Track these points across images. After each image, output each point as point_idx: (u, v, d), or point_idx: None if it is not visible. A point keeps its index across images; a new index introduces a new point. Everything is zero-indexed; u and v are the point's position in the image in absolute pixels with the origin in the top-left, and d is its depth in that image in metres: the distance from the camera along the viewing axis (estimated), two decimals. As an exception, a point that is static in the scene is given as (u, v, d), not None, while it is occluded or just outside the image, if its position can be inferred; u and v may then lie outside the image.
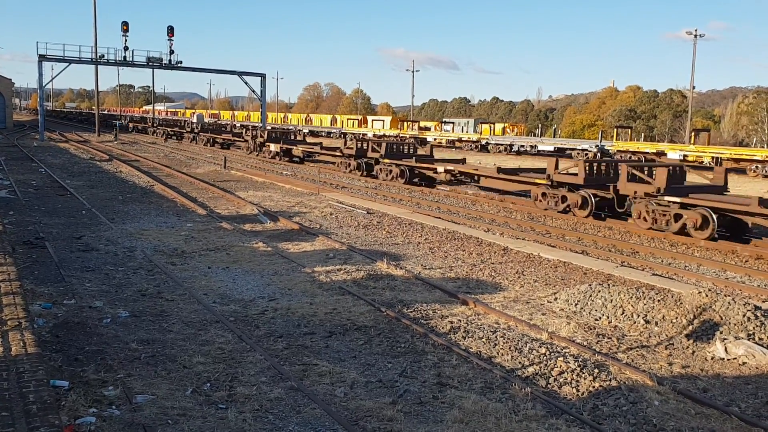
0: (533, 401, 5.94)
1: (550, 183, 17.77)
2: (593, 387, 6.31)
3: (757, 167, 34.93)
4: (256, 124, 58.63)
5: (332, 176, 26.59)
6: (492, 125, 67.13)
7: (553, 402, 5.95)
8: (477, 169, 22.11)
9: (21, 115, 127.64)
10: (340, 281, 9.98)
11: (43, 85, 51.61)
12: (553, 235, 14.91)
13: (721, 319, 7.92)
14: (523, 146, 49.88)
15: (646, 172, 15.91)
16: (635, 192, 15.60)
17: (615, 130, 50.52)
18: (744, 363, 7.13)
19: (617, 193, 16.39)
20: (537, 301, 9.33)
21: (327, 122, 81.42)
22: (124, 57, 51.22)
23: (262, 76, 58.14)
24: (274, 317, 8.21)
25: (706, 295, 8.34)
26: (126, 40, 50.71)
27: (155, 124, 63.98)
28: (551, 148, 48.35)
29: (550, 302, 9.26)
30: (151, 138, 56.10)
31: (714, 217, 13.94)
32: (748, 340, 7.46)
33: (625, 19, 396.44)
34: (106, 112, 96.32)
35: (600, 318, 8.49)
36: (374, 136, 54.78)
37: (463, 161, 25.16)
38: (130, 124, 71.37)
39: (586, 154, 44.31)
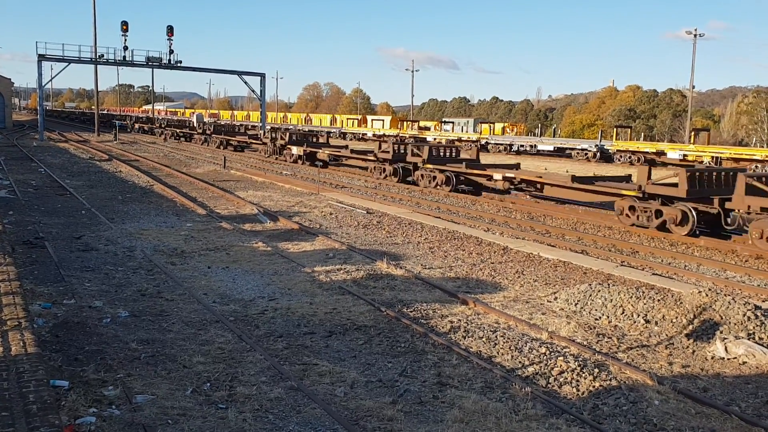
0: (533, 401, 5.94)
1: (641, 195, 15.29)
2: (593, 386, 6.30)
3: (757, 167, 34.92)
4: (275, 126, 57.20)
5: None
6: (492, 125, 67.17)
7: (553, 401, 5.95)
8: (541, 177, 19.28)
9: (20, 114, 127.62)
10: (339, 281, 9.97)
11: (43, 84, 51.60)
12: (552, 234, 14.91)
13: (721, 318, 7.92)
14: (522, 146, 49.91)
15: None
16: (749, 206, 13.28)
17: (615, 129, 50.50)
18: (744, 362, 7.13)
19: (723, 207, 14.18)
20: (537, 301, 9.33)
21: (327, 122, 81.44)
22: (124, 57, 51.20)
23: (262, 75, 58.13)
24: (274, 317, 8.21)
25: (706, 295, 8.34)
26: (125, 40, 50.73)
27: (162, 125, 61.13)
28: (551, 148, 48.38)
29: (550, 302, 9.26)
30: (151, 138, 56.06)
31: None
32: (749, 339, 7.46)
33: (625, 19, 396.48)
34: (105, 112, 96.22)
35: (600, 317, 8.49)
36: (398, 137, 52.11)
37: (516, 166, 21.99)
38: (136, 125, 68.75)
39: (586, 154, 44.35)
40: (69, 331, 7.39)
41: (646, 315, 8.28)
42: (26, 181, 22.50)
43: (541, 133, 71.06)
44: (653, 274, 11.18)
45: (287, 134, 34.34)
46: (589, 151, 44.40)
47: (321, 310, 8.46)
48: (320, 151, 30.91)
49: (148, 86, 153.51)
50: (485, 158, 40.49)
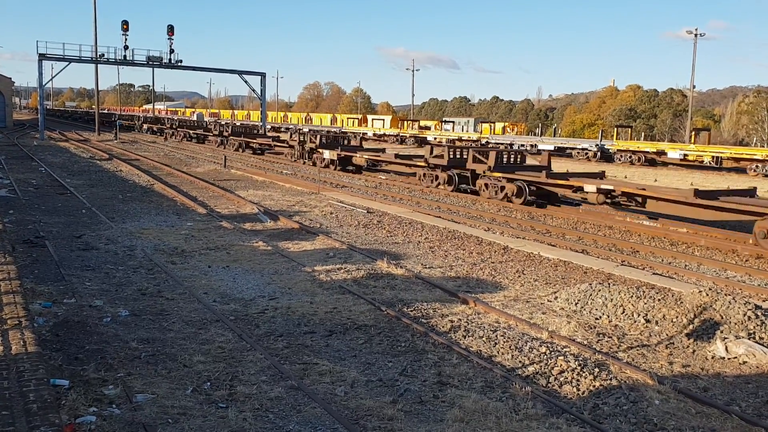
0: (534, 400, 5.94)
1: None
2: (594, 386, 6.30)
3: (757, 167, 34.92)
4: (299, 127, 54.73)
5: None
6: (492, 124, 67.16)
7: (553, 401, 5.95)
8: (644, 189, 16.31)
9: (21, 114, 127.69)
10: (340, 280, 9.97)
11: (43, 84, 51.57)
12: (553, 234, 14.90)
13: (722, 318, 7.91)
14: (523, 145, 49.85)
15: None
16: None
17: (615, 129, 50.53)
18: (744, 362, 7.12)
19: None
20: (537, 300, 9.33)
21: (327, 121, 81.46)
22: (124, 56, 51.18)
23: (262, 75, 58.10)
24: (274, 316, 8.21)
25: (707, 295, 8.33)
26: (126, 39, 50.71)
27: (174, 126, 56.98)
28: (551, 148, 48.33)
29: (551, 301, 9.26)
30: (152, 137, 56.05)
31: None
32: (749, 339, 7.46)
33: (625, 19, 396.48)
34: (106, 111, 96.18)
35: (600, 317, 8.49)
36: (449, 140, 49.42)
37: (602, 175, 19.20)
38: (144, 125, 64.72)
39: (586, 153, 44.32)
40: (69, 330, 7.39)
41: (646, 314, 8.28)
42: (27, 180, 22.50)
43: (541, 132, 71.04)
44: (654, 273, 11.18)
45: (318, 136, 30.81)
46: (590, 150, 44.38)
47: (321, 310, 8.46)
48: (356, 155, 27.93)
49: (149, 85, 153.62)
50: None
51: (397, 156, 26.31)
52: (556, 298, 9.37)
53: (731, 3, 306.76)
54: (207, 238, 13.03)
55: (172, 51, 52.43)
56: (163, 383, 6.07)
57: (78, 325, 7.54)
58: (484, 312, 8.62)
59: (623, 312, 8.44)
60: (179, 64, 53.33)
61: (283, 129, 69.87)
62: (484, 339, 7.52)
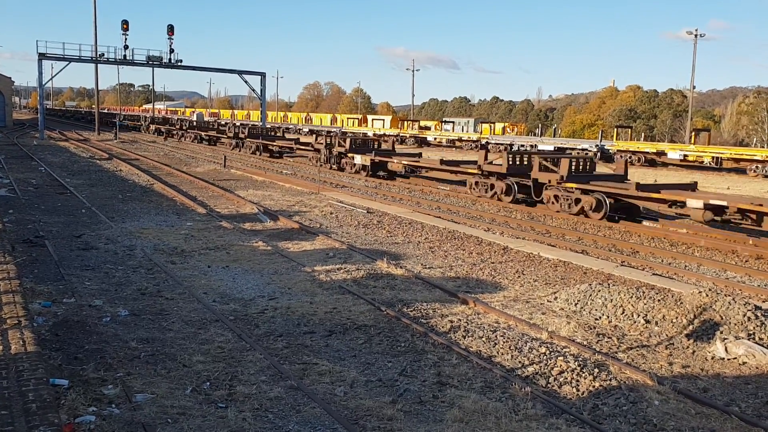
0: (533, 401, 5.94)
1: None
2: (593, 386, 6.30)
3: (757, 167, 34.93)
4: (326, 128, 51.79)
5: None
6: (492, 125, 67.22)
7: (553, 401, 5.95)
8: (761, 205, 13.68)
9: (21, 113, 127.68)
10: (340, 280, 9.97)
11: (43, 83, 51.56)
12: (553, 234, 14.90)
13: (722, 318, 7.91)
14: (523, 146, 49.87)
15: None
16: None
17: (615, 129, 50.55)
18: (744, 363, 7.12)
19: None
20: (537, 301, 9.33)
21: (327, 121, 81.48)
22: (124, 56, 51.19)
23: (262, 75, 58.11)
24: (273, 316, 8.20)
25: (707, 295, 8.33)
26: (126, 39, 50.72)
27: (183, 127, 53.20)
28: (551, 148, 48.32)
29: (550, 302, 9.26)
30: (152, 137, 56.02)
31: None
32: (749, 339, 7.46)
33: (625, 19, 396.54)
34: (106, 111, 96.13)
35: (600, 317, 8.49)
36: (480, 142, 46.49)
37: (693, 186, 16.68)
38: (151, 126, 60.78)
39: (586, 154, 44.32)
40: (69, 329, 7.38)
41: (646, 315, 8.28)
42: (26, 179, 22.49)
43: (541, 133, 71.04)
44: (653, 274, 11.18)
45: (347, 139, 28.19)
46: (590, 151, 44.33)
47: (321, 310, 8.46)
48: (392, 160, 25.37)
49: (149, 85, 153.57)
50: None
51: (443, 162, 23.29)
52: (555, 298, 9.37)
53: (731, 3, 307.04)
54: (207, 238, 13.03)
55: (172, 51, 52.47)
56: (163, 383, 6.07)
57: (77, 325, 7.54)
58: (484, 312, 8.62)
59: (623, 312, 8.44)
60: (179, 63, 53.34)
61: (305, 130, 67.18)
62: (483, 339, 7.52)
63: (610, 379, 6.46)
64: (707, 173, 35.45)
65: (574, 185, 17.16)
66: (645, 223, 16.48)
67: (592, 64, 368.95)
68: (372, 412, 5.63)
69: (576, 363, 6.76)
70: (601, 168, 19.90)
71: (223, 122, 63.80)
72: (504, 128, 65.95)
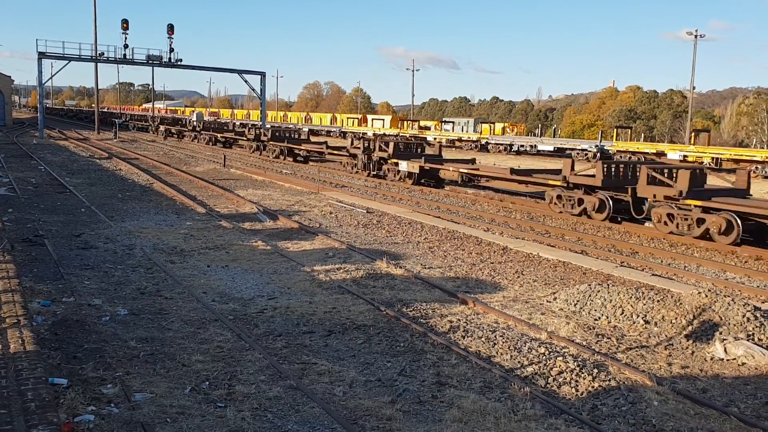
0: (532, 401, 5.94)
1: None
2: (592, 387, 6.30)
3: (757, 168, 34.95)
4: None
5: (336, 176, 22.86)
6: (492, 125, 67.19)
7: (552, 402, 5.95)
8: None
9: (20, 112, 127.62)
10: (339, 280, 9.97)
11: (43, 82, 51.51)
12: (552, 234, 14.90)
13: (721, 319, 7.91)
14: (522, 146, 49.91)
15: None
16: None
17: (615, 130, 50.52)
18: (743, 363, 7.12)
19: None
20: (536, 301, 9.33)
21: (327, 121, 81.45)
22: (124, 55, 51.12)
23: (262, 74, 58.05)
24: (273, 316, 8.20)
25: (706, 296, 8.33)
26: (126, 38, 50.62)
27: (197, 129, 49.28)
28: (551, 148, 48.36)
29: (550, 302, 9.26)
30: (151, 136, 55.99)
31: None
32: (748, 340, 7.46)
33: (625, 19, 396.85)
34: (106, 110, 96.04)
35: (599, 318, 8.49)
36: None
37: None
38: (161, 127, 56.58)
39: (586, 154, 44.34)
40: (68, 329, 7.38)
41: (645, 315, 8.28)
42: (26, 178, 22.49)
43: (541, 133, 71.02)
44: (653, 274, 11.18)
45: (391, 144, 24.89)
46: (590, 151, 44.39)
47: (320, 309, 8.46)
48: (445, 167, 22.60)
49: (149, 84, 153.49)
50: (485, 158, 37.00)
51: (514, 171, 20.24)
52: (555, 298, 9.37)
53: (731, 4, 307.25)
54: (206, 238, 13.02)
55: (171, 50, 52.40)
56: (162, 382, 6.07)
57: (77, 324, 7.54)
58: (483, 312, 8.62)
59: (622, 313, 8.44)
60: (179, 63, 53.28)
61: (334, 132, 63.32)
62: (483, 339, 7.52)
63: (609, 380, 6.46)
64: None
65: (695, 202, 14.27)
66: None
67: (592, 64, 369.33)
68: (371, 412, 5.63)
69: (575, 363, 6.76)
70: (715, 180, 17.24)
71: (241, 123, 60.48)
72: (504, 128, 65.93)
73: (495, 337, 7.59)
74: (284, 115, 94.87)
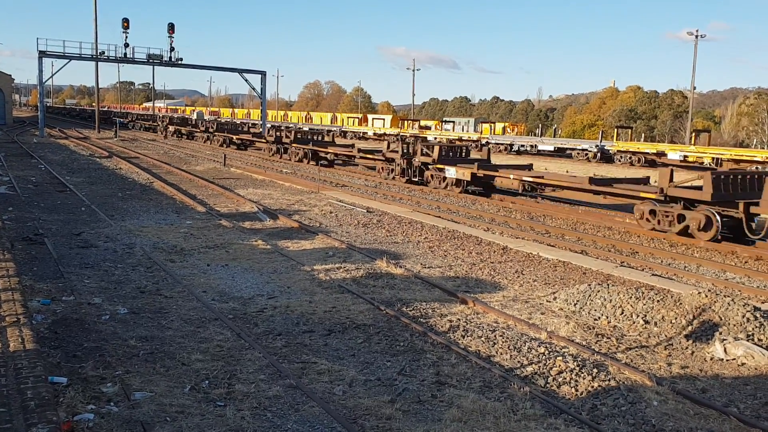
0: (532, 400, 5.94)
1: None
2: (592, 387, 6.30)
3: (757, 168, 34.94)
4: (401, 134, 42.06)
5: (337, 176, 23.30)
6: (492, 125, 67.26)
7: (551, 401, 5.95)
8: None
9: (21, 111, 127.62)
10: (339, 279, 9.97)
11: (43, 81, 51.55)
12: (552, 234, 14.90)
13: (721, 319, 7.91)
14: (523, 146, 49.92)
15: None
16: None
17: (615, 130, 50.57)
18: (743, 364, 7.12)
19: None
20: (536, 301, 9.33)
21: (327, 120, 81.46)
22: (125, 54, 51.16)
23: (263, 73, 58.06)
24: (273, 315, 8.20)
25: (706, 296, 8.33)
26: (126, 37, 50.65)
27: (210, 130, 45.38)
28: (551, 148, 48.35)
29: (550, 302, 9.26)
30: (152, 135, 55.98)
31: None
32: (748, 340, 7.46)
33: (626, 19, 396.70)
34: (106, 109, 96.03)
35: (599, 318, 8.49)
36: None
37: None
38: (170, 127, 53.38)
39: (586, 154, 44.35)
40: (68, 327, 7.38)
41: (645, 315, 8.28)
42: (26, 177, 22.49)
43: (541, 133, 71.04)
44: (653, 274, 11.18)
45: (435, 147, 22.77)
46: (590, 151, 44.39)
47: (320, 309, 8.46)
48: (503, 174, 19.84)
49: (149, 83, 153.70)
50: (497, 159, 35.50)
51: (594, 181, 17.16)
52: (555, 298, 9.37)
53: (732, 4, 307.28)
54: (206, 237, 13.03)
55: (172, 49, 52.46)
56: (162, 381, 6.07)
57: (76, 323, 7.54)
58: (483, 312, 8.62)
59: (622, 313, 8.44)
60: (179, 62, 53.31)
61: (369, 134, 59.96)
62: (482, 339, 7.52)
63: (609, 380, 6.46)
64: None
65: None
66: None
67: (592, 64, 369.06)
68: (371, 412, 5.63)
69: (575, 363, 6.76)
70: None
71: (307, 128, 56.03)
72: (504, 128, 65.97)
73: (495, 336, 7.59)
74: (284, 114, 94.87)
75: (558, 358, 6.92)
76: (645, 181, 17.04)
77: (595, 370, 6.62)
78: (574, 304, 8.90)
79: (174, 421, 5.30)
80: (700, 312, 8.08)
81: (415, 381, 6.34)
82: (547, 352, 7.13)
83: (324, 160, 31.04)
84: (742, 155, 37.49)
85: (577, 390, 6.26)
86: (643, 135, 65.12)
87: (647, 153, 41.30)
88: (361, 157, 28.27)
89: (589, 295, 9.00)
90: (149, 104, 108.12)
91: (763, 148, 54.33)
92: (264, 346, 7.09)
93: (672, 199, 14.71)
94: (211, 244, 12.35)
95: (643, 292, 8.82)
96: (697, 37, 57.99)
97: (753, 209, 13.54)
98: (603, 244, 13.90)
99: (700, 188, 14.27)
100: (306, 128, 46.92)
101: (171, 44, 52.26)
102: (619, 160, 42.43)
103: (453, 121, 72.06)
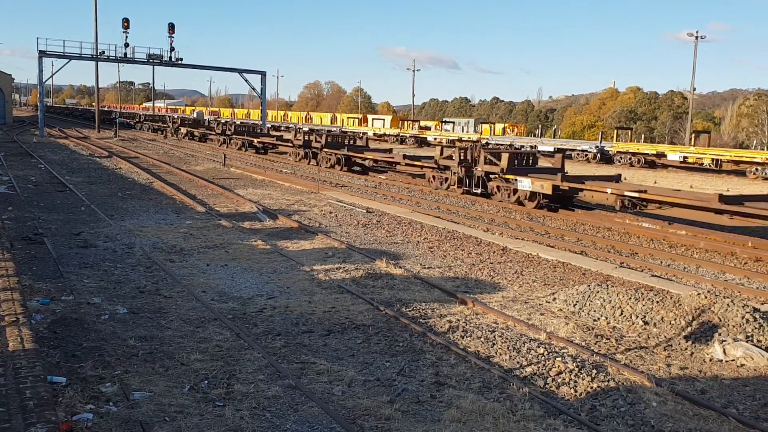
0: (531, 401, 5.93)
1: None
2: (591, 387, 6.30)
3: (757, 169, 34.93)
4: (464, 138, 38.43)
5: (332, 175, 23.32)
6: (492, 125, 67.25)
7: (550, 402, 5.95)
8: None
9: (21, 110, 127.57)
10: (338, 280, 9.97)
11: (43, 81, 51.53)
12: (552, 235, 14.89)
13: (720, 320, 7.91)
14: (522, 146, 49.86)
15: None
16: None
17: (615, 131, 50.52)
18: (742, 365, 7.12)
19: None
20: (536, 301, 9.33)
21: (327, 120, 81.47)
22: (125, 54, 51.13)
23: (263, 73, 58.04)
24: (272, 315, 8.20)
25: (705, 297, 8.33)
26: (126, 37, 50.60)
27: (227, 132, 42.55)
28: (551, 149, 48.32)
29: (549, 302, 9.26)
30: (152, 135, 55.93)
31: None
32: (747, 342, 7.46)
33: (626, 20, 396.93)
34: (106, 109, 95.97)
35: (598, 319, 8.49)
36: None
37: None
38: (182, 129, 50.57)
39: (586, 155, 44.33)
40: (67, 327, 7.38)
41: (644, 316, 8.28)
42: (26, 177, 22.48)
43: (541, 133, 71.05)
44: (652, 275, 11.18)
45: (504, 156, 19.52)
46: (590, 152, 44.38)
47: (320, 309, 8.46)
48: (599, 188, 16.55)
49: (149, 83, 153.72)
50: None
51: (725, 199, 13.92)
52: (554, 299, 9.37)
53: (732, 5, 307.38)
54: (206, 237, 13.02)
55: (172, 49, 52.42)
56: (161, 381, 6.07)
57: (76, 323, 7.54)
58: (483, 312, 8.62)
59: (621, 314, 8.44)
60: (179, 62, 53.28)
61: (369, 134, 53.88)
62: (482, 339, 7.52)
63: (608, 381, 6.46)
64: (707, 175, 35.46)
65: None
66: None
67: (592, 65, 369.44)
68: (370, 412, 5.63)
69: (574, 364, 6.76)
70: None
71: (284, 126, 53.56)
72: (504, 129, 65.96)
73: (494, 337, 7.59)
74: (284, 114, 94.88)
75: (557, 358, 6.92)
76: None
77: (594, 371, 6.62)
78: (574, 305, 8.90)
79: (173, 421, 5.30)
80: (699, 313, 8.08)
81: (414, 381, 6.34)
82: (546, 352, 7.13)
83: (358, 166, 28.39)
84: (741, 156, 37.48)
85: (576, 391, 6.26)
86: (642, 136, 65.10)
87: (647, 154, 41.29)
88: (407, 164, 25.33)
89: (589, 296, 9.00)
90: (149, 104, 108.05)
91: (763, 149, 54.34)
92: (263, 346, 7.08)
93: None
94: (211, 244, 12.35)
95: (642, 293, 8.82)
96: (696, 38, 58.03)
97: None
98: (602, 244, 13.90)
99: None
100: (337, 130, 43.39)
101: (171, 44, 52.26)
102: (619, 161, 42.42)
103: (453, 122, 72.05)
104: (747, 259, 12.78)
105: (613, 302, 8.69)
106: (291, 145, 33.50)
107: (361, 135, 36.46)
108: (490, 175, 20.00)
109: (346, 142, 30.90)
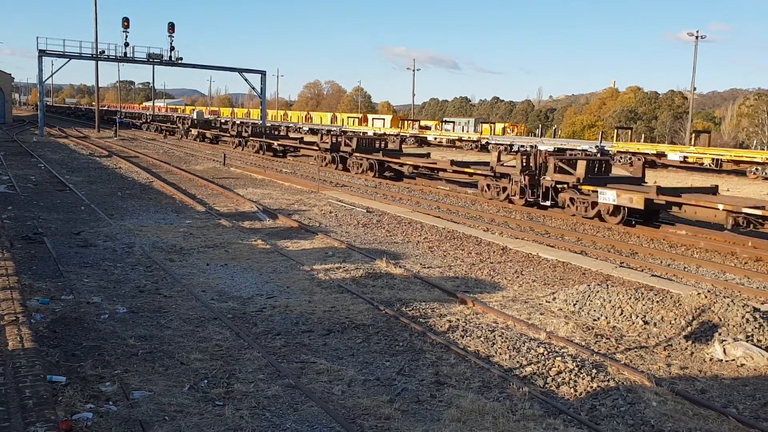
0: (531, 401, 5.93)
1: None
2: (591, 387, 6.30)
3: (757, 169, 34.92)
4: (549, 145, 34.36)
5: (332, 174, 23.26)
6: (492, 125, 67.21)
7: (550, 402, 5.94)
8: None
9: (21, 110, 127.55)
10: (338, 279, 9.96)
11: (43, 80, 51.52)
12: (552, 235, 14.89)
13: (720, 320, 7.91)
14: (523, 146, 49.76)
15: None
16: None
17: (615, 130, 50.53)
18: (742, 365, 7.12)
19: None
20: (535, 301, 9.32)
21: (327, 120, 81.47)
22: (125, 53, 51.14)
23: (263, 73, 58.06)
24: (272, 315, 8.20)
25: (705, 297, 8.33)
26: (126, 36, 50.62)
27: (244, 134, 40.06)
28: (551, 149, 48.30)
29: (549, 302, 9.26)
30: (152, 135, 55.94)
31: None
32: (747, 341, 7.45)
33: (626, 20, 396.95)
34: (106, 108, 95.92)
35: (598, 318, 8.48)
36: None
37: None
38: (192, 130, 48.43)
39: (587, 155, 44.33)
40: (67, 326, 7.38)
41: (644, 316, 8.27)
42: (26, 176, 22.48)
43: (541, 133, 70.96)
44: (652, 275, 11.17)
45: (580, 164, 17.41)
46: (590, 152, 44.37)
47: (319, 309, 8.46)
48: (707, 203, 14.30)
49: (149, 83, 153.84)
50: (487, 157, 34.85)
51: None
52: (554, 298, 9.36)
53: (732, 5, 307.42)
54: (205, 236, 13.02)
55: (172, 48, 52.45)
56: (160, 380, 6.06)
57: (75, 322, 7.53)
58: (483, 312, 8.61)
59: (621, 313, 8.44)
60: (179, 61, 53.29)
61: (407, 137, 50.26)
62: (482, 339, 7.52)
63: (608, 380, 6.46)
64: (707, 175, 35.45)
65: None
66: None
67: (592, 64, 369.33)
68: (369, 411, 5.63)
69: (574, 363, 6.75)
70: None
71: (307, 128, 50.62)
72: (504, 128, 65.93)
73: (494, 336, 7.59)
74: (284, 114, 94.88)
75: (557, 358, 6.92)
76: None
77: (594, 371, 6.62)
78: (574, 305, 8.90)
79: (173, 420, 5.30)
80: (699, 313, 8.08)
81: (414, 381, 6.34)
82: (546, 352, 7.13)
83: (392, 172, 25.80)
84: (741, 156, 37.47)
85: (576, 390, 6.26)
86: (642, 136, 65.07)
87: (647, 154, 41.25)
88: (455, 171, 22.28)
89: (589, 296, 8.99)
90: (149, 103, 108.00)
91: (763, 149, 54.34)
92: (263, 346, 7.08)
93: None
94: (211, 243, 12.35)
95: (642, 293, 8.81)
96: (697, 38, 58.02)
97: None
98: (602, 244, 13.90)
99: None
100: (370, 133, 39.74)
101: (171, 43, 52.30)
102: (619, 161, 42.41)
103: (453, 122, 72.06)
104: (747, 259, 12.77)
105: (613, 302, 8.68)
106: (317, 148, 30.80)
107: (394, 138, 33.56)
108: (560, 185, 17.68)
109: (379, 145, 28.13)
